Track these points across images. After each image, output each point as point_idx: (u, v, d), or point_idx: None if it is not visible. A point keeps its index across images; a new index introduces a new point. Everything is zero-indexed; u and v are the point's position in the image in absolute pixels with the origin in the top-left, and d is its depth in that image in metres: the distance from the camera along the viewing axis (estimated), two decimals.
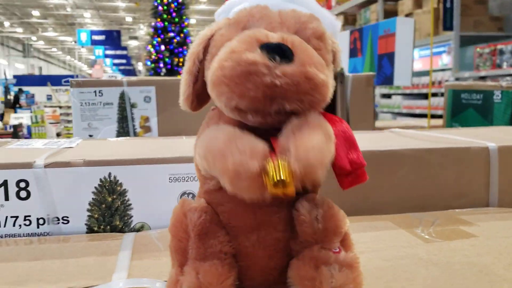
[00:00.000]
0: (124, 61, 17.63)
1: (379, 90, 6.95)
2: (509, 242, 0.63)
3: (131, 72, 17.92)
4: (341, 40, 2.99)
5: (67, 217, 0.69)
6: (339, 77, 0.49)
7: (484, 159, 0.82)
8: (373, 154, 0.79)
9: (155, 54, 7.58)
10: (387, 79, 2.48)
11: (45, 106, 8.88)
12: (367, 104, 1.84)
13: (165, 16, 7.53)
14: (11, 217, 0.68)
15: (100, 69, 16.71)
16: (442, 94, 4.16)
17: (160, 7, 7.50)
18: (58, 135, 7.71)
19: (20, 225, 0.68)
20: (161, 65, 7.09)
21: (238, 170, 0.37)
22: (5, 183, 0.67)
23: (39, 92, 14.56)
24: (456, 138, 0.93)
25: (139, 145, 0.88)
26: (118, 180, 0.70)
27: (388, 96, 6.72)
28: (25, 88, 13.12)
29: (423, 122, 2.67)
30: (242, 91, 0.39)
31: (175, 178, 0.71)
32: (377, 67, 2.53)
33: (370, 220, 0.73)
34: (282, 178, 0.36)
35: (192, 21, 17.58)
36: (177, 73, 7.20)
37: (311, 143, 0.37)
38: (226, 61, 0.40)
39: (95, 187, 0.69)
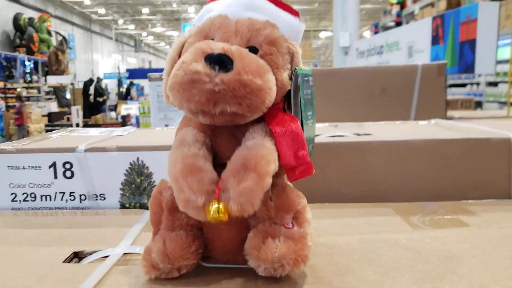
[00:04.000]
0: None
1: (485, 78, 6.52)
2: (498, 233, 0.63)
3: None
4: (423, 27, 2.90)
5: (104, 195, 0.81)
6: (294, 76, 0.54)
7: (506, 151, 0.81)
8: (384, 144, 0.81)
9: None
10: (468, 67, 2.38)
11: None
12: (438, 93, 1.80)
13: None
14: (59, 193, 0.81)
15: None
16: None
17: None
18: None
19: (66, 200, 0.82)
20: None
21: (187, 203, 0.46)
22: (54, 164, 0.80)
23: (149, 85, 15.54)
24: (487, 130, 0.91)
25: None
26: (145, 164, 0.80)
27: (494, 84, 6.28)
28: (135, 81, 14.12)
29: None
30: (189, 96, 0.46)
31: None
32: (458, 54, 2.43)
33: (375, 207, 0.77)
34: (219, 216, 0.45)
35: None
36: None
37: (244, 188, 0.45)
38: (178, 70, 0.47)
39: (126, 170, 0.80)
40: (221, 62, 0.46)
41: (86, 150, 0.80)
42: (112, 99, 11.81)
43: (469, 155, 0.82)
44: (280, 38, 0.52)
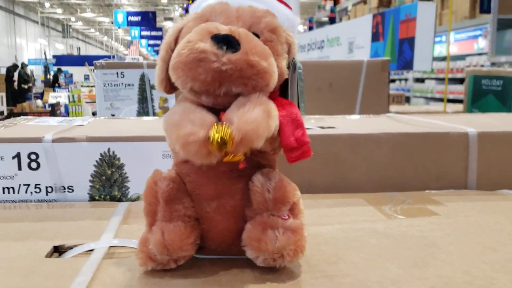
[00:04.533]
0: (159, 42, 17.85)
1: (412, 74, 6.85)
2: (466, 221, 0.68)
3: None
4: (363, 24, 3.00)
5: (72, 187, 0.78)
6: (292, 65, 0.55)
7: (464, 144, 0.87)
8: (352, 137, 0.84)
9: None
10: (407, 63, 2.49)
11: (82, 86, 9.11)
12: (382, 88, 1.88)
13: None
14: (24, 185, 0.77)
15: (136, 49, 16.94)
16: None
17: None
18: (94, 114, 7.92)
19: (31, 192, 0.78)
20: None
21: (188, 137, 0.45)
22: (18, 155, 0.76)
23: (78, 72, 14.98)
24: (443, 124, 0.97)
25: (142, 125, 0.96)
26: (116, 155, 0.78)
27: (421, 80, 6.62)
28: (64, 68, 13.54)
29: (447, 107, 2.67)
30: (194, 75, 0.46)
31: (167, 155, 0.79)
32: (398, 51, 2.54)
33: (346, 197, 0.79)
34: (223, 138, 0.44)
35: None
36: None
37: (250, 117, 0.45)
38: (182, 49, 0.47)
39: (96, 161, 0.78)
40: (228, 42, 0.46)
41: (54, 140, 0.77)
42: (38, 86, 11.27)
43: (430, 147, 0.87)
44: (279, 27, 0.53)
